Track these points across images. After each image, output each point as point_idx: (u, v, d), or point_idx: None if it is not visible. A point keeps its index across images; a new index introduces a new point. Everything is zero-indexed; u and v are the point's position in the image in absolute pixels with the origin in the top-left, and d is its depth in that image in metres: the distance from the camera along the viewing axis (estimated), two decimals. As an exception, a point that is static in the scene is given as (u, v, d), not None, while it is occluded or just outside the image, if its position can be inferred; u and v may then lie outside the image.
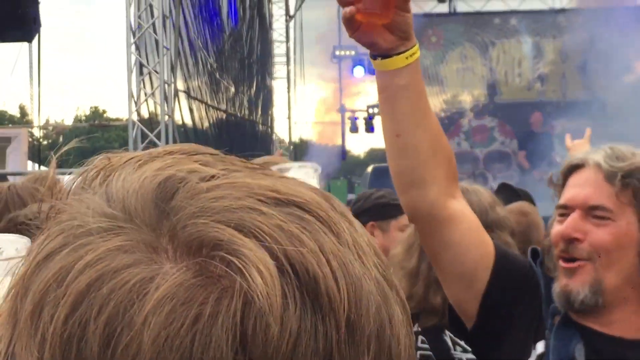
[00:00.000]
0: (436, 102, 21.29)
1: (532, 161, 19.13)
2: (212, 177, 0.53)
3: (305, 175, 1.91)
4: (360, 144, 30.18)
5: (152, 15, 11.33)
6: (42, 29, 9.44)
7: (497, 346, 1.91)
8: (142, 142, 10.96)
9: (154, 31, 11.25)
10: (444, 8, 20.87)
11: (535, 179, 16.31)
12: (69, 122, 44.33)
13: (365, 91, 21.27)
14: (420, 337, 2.86)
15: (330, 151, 21.75)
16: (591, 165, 1.81)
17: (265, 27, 19.08)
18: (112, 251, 0.49)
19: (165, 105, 11.22)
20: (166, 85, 11.31)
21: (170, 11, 11.68)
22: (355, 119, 21.35)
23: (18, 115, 41.27)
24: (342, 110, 22.02)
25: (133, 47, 11.04)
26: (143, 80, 11.40)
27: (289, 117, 21.20)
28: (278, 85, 20.66)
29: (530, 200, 4.07)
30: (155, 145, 10.67)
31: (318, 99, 23.90)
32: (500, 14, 21.16)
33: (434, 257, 1.92)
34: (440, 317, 2.76)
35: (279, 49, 20.69)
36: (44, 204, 0.56)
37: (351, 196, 14.35)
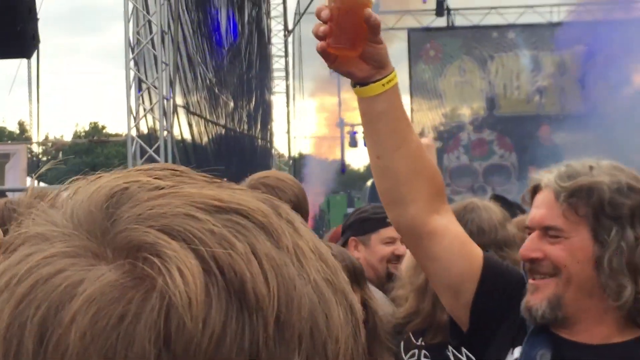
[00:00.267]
0: (435, 115, 21.34)
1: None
2: (158, 188, 0.56)
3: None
4: (359, 158, 30.30)
5: (151, 31, 11.34)
6: (40, 45, 9.45)
7: (487, 350, 2.00)
8: (141, 158, 10.94)
9: (153, 47, 11.26)
10: (442, 22, 20.94)
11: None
12: (68, 137, 44.44)
13: (364, 105, 21.24)
14: (424, 352, 2.86)
15: (329, 165, 21.76)
16: (545, 186, 1.89)
17: (264, 42, 19.10)
18: (55, 256, 0.52)
19: (164, 120, 11.21)
20: (165, 101, 11.31)
21: (169, 27, 11.70)
22: (355, 133, 21.34)
23: (17, 131, 41.37)
24: (341, 124, 22.01)
25: (132, 63, 11.04)
26: (142, 95, 11.40)
27: (288, 132, 21.18)
28: (277, 100, 20.66)
29: (523, 212, 4.08)
30: (154, 160, 10.67)
31: (317, 114, 23.94)
32: (498, 28, 21.24)
33: (423, 269, 2.04)
34: (446, 335, 2.74)
35: (277, 63, 20.70)
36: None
37: (351, 210, 14.35)
